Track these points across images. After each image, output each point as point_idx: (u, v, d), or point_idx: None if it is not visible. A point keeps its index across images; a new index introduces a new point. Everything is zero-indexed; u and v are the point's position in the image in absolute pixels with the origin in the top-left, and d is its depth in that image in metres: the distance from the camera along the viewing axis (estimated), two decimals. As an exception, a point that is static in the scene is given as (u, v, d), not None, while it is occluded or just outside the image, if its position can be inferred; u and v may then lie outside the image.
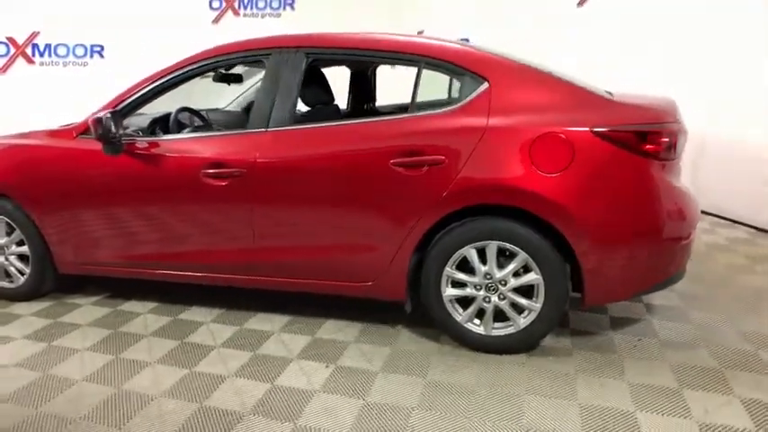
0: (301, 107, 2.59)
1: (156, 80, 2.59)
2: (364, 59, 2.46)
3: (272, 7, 6.51)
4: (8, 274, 2.94)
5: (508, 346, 2.30)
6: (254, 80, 3.89)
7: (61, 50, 5.86)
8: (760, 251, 3.62)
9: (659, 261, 2.17)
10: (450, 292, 2.30)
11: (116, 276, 2.83)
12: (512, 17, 5.70)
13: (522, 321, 2.25)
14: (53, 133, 2.77)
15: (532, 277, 2.18)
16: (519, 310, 2.25)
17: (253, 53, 2.50)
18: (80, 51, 5.90)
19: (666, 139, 2.08)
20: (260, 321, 2.68)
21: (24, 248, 2.84)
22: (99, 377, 2.21)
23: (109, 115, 2.37)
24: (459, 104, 2.20)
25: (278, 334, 2.55)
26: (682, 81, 4.19)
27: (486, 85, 2.19)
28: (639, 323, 2.60)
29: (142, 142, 2.53)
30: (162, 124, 2.83)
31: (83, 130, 2.65)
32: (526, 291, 2.23)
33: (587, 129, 2.06)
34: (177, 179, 2.48)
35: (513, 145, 2.10)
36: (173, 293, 2.97)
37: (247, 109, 3.80)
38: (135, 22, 6.05)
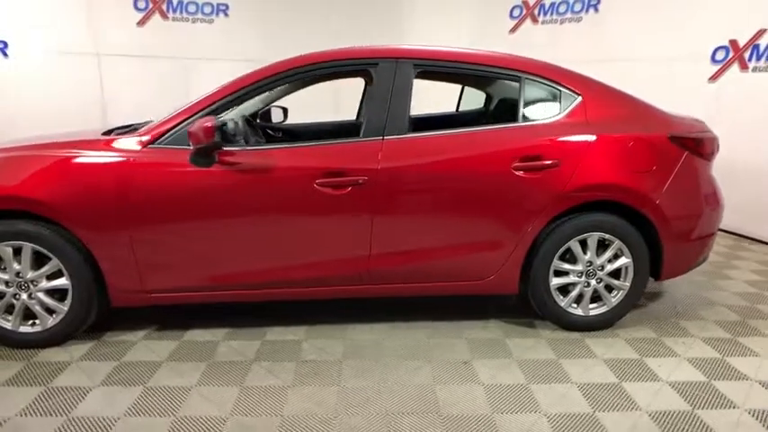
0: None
1: (247, 84, 2.40)
2: (468, 73, 2.61)
3: (203, 12, 6.10)
4: (28, 315, 2.41)
5: (602, 323, 2.67)
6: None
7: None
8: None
9: (705, 242, 2.74)
10: (556, 281, 2.58)
11: (188, 303, 2.52)
12: (450, 41, 6.22)
13: (613, 300, 2.64)
14: (108, 143, 2.37)
15: (624, 261, 2.58)
16: (608, 290, 2.64)
17: (359, 62, 2.49)
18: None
19: (711, 144, 2.67)
20: (361, 332, 2.64)
21: (60, 282, 2.36)
22: (247, 409, 1.99)
23: (219, 124, 2.16)
24: (561, 115, 2.52)
25: (380, 339, 2.55)
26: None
27: (580, 99, 2.54)
28: (664, 295, 3.19)
29: (238, 152, 2.33)
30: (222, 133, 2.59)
31: (154, 139, 2.33)
32: (614, 273, 2.62)
33: (665, 135, 2.54)
34: (286, 189, 2.34)
35: (614, 149, 2.49)
36: (228, 317, 2.75)
37: (248, 120, 3.59)
38: (46, 18, 5.18)
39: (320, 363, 2.34)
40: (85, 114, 5.74)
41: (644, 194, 2.48)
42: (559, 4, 5.86)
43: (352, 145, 2.42)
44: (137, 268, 2.36)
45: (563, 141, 2.46)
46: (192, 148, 2.25)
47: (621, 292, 2.63)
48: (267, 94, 3.41)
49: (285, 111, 3.74)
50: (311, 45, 6.76)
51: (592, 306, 2.65)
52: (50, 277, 2.36)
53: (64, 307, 2.39)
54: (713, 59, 4.58)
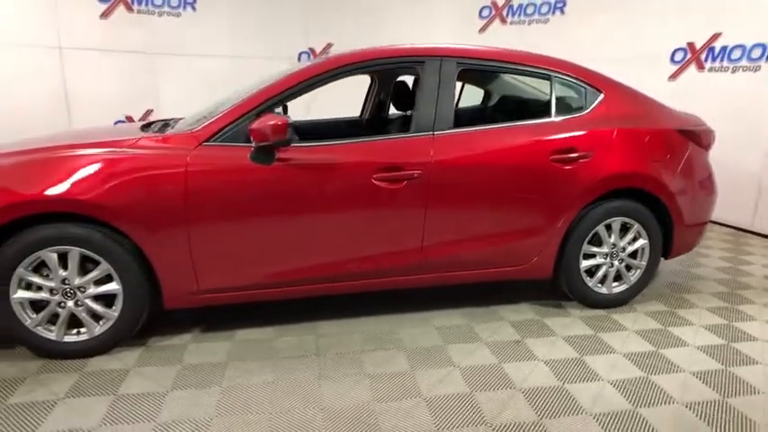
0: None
1: (303, 80, 2.40)
2: (504, 71, 2.75)
3: (170, 5, 5.85)
4: (73, 324, 2.29)
5: (622, 300, 2.94)
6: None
7: None
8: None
9: (705, 225, 3.08)
10: (585, 263, 2.81)
11: (241, 302, 2.48)
12: (421, 40, 6.37)
13: (632, 278, 2.91)
14: (162, 140, 2.29)
15: (642, 242, 2.86)
16: (627, 269, 2.91)
17: (408, 59, 2.57)
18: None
19: (708, 136, 3.01)
20: (403, 321, 2.73)
21: (110, 287, 2.26)
22: (338, 398, 2.03)
23: (291, 120, 2.17)
24: (587, 110, 2.75)
25: (426, 326, 2.66)
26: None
27: (602, 95, 2.79)
28: (658, 273, 3.53)
29: (297, 149, 2.34)
30: None
31: (210, 135, 2.29)
32: (631, 254, 2.89)
33: (673, 129, 2.84)
34: (345, 184, 2.38)
35: (635, 141, 2.75)
36: (271, 314, 2.75)
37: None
38: (5, 9, 4.78)
39: (386, 352, 2.41)
40: (47, 109, 5.37)
41: (661, 182, 2.76)
42: (527, 5, 6.20)
43: (406, 140, 2.50)
44: (193, 268, 2.31)
45: (592, 134, 2.68)
46: (252, 145, 2.25)
47: (639, 270, 2.91)
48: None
49: (285, 108, 3.73)
50: (286, 40, 6.72)
51: (614, 285, 2.91)
52: (98, 282, 2.26)
53: (114, 313, 2.30)
54: (672, 60, 5.07)
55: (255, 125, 2.19)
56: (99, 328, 2.31)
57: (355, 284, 2.56)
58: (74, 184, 2.11)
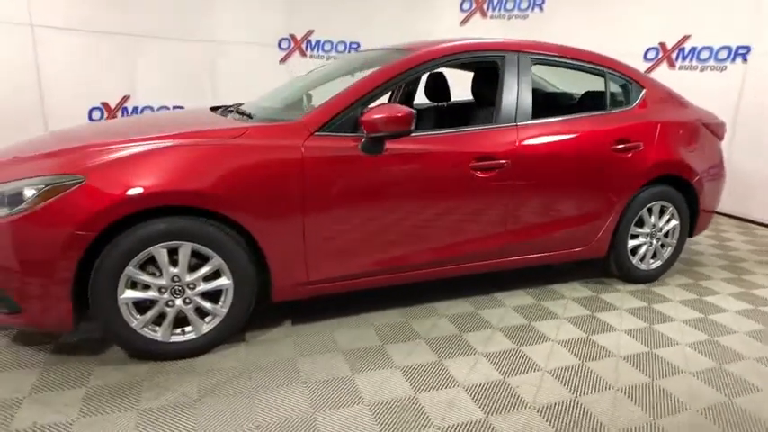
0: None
1: (403, 72, 2.43)
2: (568, 66, 2.93)
3: (148, -15, 5.46)
4: (178, 322, 2.19)
5: (656, 275, 3.29)
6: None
7: None
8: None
9: (715, 211, 3.51)
10: (631, 243, 3.12)
11: (340, 291, 2.49)
12: (403, 31, 6.46)
13: (665, 255, 3.27)
14: (272, 130, 2.24)
15: (674, 223, 3.22)
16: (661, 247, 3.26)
17: (491, 53, 2.68)
18: None
19: (723, 128, 3.43)
20: (466, 305, 2.88)
21: (221, 282, 2.18)
22: (472, 377, 2.15)
23: (415, 111, 2.22)
24: (634, 104, 3.04)
25: (502, 308, 2.84)
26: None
27: (644, 90, 3.09)
28: (668, 249, 3.96)
29: (403, 139, 2.37)
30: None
31: (319, 126, 2.27)
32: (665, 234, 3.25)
33: (699, 121, 3.22)
34: (448, 173, 2.47)
35: (674, 133, 3.08)
36: (355, 301, 2.79)
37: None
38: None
39: (483, 331, 2.54)
40: (18, 91, 4.85)
41: (693, 169, 3.13)
42: (507, 0, 6.49)
43: (494, 131, 2.62)
44: (305, 260, 2.30)
45: (641, 126, 2.98)
46: (363, 135, 2.27)
47: (670, 248, 3.28)
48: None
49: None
50: (267, 26, 6.51)
51: (651, 261, 3.25)
52: (206, 278, 2.18)
53: (223, 309, 2.23)
54: (645, 58, 5.59)
55: (368, 116, 2.22)
56: (206, 326, 2.23)
57: (447, 270, 2.66)
58: (193, 176, 2.03)
